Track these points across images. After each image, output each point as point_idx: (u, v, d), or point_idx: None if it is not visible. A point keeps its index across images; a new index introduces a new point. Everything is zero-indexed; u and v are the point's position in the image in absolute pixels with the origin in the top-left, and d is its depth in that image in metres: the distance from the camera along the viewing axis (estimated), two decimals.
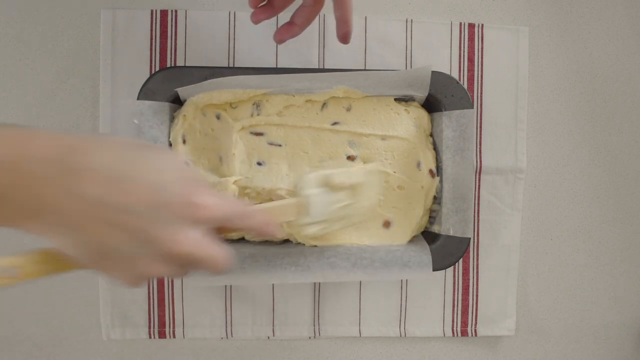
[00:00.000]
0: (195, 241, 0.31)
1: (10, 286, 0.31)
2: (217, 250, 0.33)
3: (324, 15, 0.57)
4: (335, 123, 0.53)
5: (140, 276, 0.31)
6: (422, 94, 0.52)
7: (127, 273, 0.31)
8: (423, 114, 0.54)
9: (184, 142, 0.52)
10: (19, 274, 0.31)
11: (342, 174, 0.47)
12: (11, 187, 0.27)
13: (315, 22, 0.57)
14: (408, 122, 0.54)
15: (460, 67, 0.59)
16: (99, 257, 0.30)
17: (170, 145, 0.52)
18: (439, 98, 0.53)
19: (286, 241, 0.54)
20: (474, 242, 0.59)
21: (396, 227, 0.55)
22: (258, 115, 0.52)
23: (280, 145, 0.53)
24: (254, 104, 0.52)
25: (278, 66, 0.57)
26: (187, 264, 0.32)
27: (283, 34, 0.47)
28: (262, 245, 0.53)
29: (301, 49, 0.57)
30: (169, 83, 0.50)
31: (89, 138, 0.30)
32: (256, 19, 0.47)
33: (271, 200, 0.51)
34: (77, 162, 0.28)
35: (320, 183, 0.46)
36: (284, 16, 0.49)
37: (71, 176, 0.28)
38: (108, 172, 0.29)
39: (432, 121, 0.55)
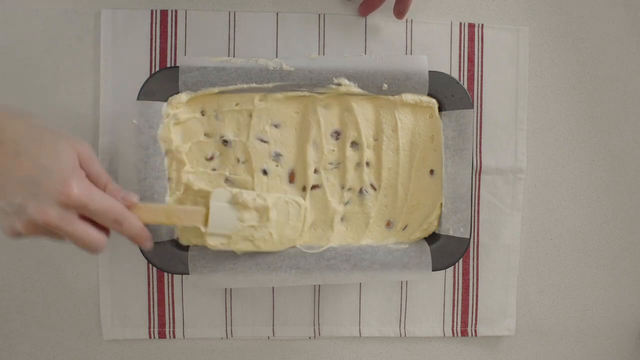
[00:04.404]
0: (61, 217, 0.38)
1: None
2: (85, 231, 0.40)
3: (324, 15, 0.57)
4: (335, 132, 0.53)
5: (13, 231, 0.39)
6: (421, 91, 0.52)
7: (5, 226, 0.39)
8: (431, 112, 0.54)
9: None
10: None
11: (250, 194, 0.49)
12: None
13: (315, 23, 0.57)
14: (414, 122, 0.54)
15: (460, 67, 0.59)
16: None
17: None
18: (439, 98, 0.53)
19: None
20: (474, 242, 0.59)
21: (405, 229, 0.55)
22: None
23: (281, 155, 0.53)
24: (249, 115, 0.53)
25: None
26: (53, 233, 0.39)
27: (367, 9, 0.56)
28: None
29: (302, 50, 0.57)
30: (169, 83, 0.51)
31: (8, 115, 0.39)
32: (363, 13, 0.56)
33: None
34: None
35: (228, 199, 0.48)
36: None
37: None
38: (11, 147, 0.37)
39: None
